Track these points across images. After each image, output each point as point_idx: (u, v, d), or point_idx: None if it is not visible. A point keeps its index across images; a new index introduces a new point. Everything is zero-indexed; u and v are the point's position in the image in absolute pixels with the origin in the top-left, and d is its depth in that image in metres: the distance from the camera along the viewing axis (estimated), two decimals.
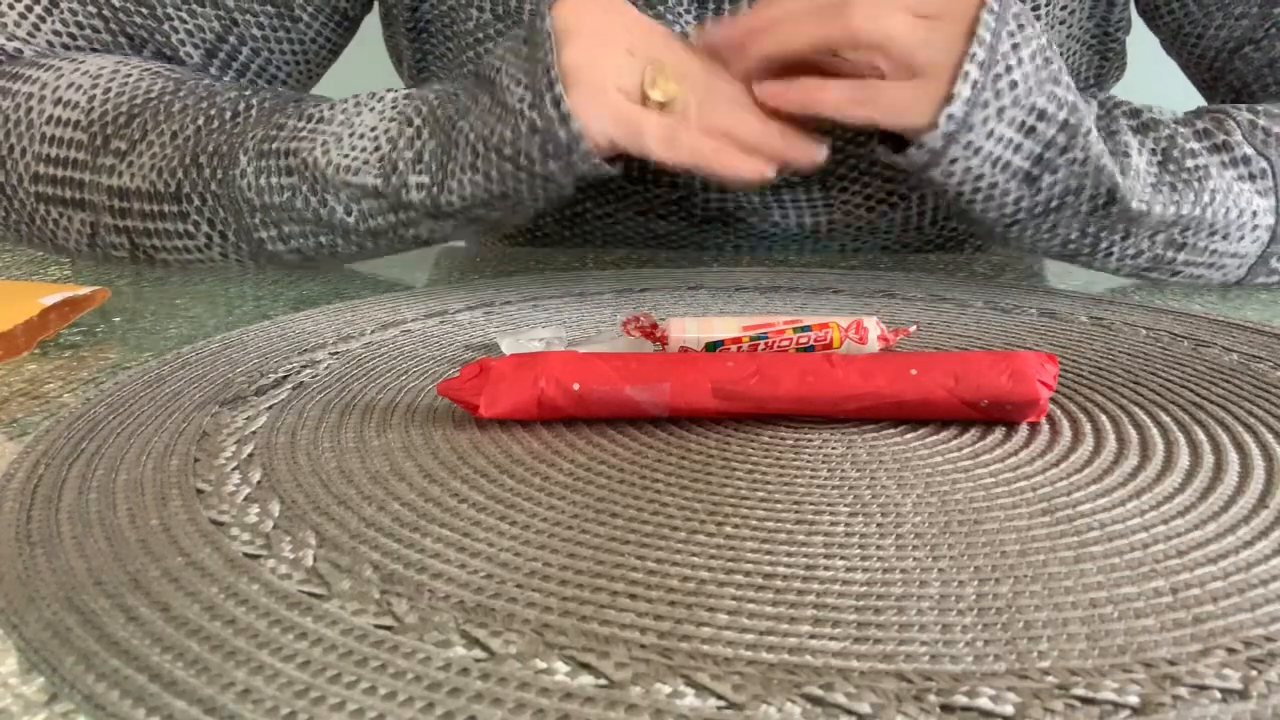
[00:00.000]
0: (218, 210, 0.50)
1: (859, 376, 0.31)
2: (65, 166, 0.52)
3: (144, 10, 0.58)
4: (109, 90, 0.53)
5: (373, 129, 0.48)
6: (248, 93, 0.53)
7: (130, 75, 0.54)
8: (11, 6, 0.58)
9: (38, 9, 0.58)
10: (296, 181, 0.49)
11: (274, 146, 0.49)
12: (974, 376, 0.31)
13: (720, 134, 0.45)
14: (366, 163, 0.48)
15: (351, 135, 0.48)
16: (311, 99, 0.52)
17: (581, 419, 0.32)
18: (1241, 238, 0.49)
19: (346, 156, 0.48)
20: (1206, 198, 0.47)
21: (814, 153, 0.46)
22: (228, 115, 0.51)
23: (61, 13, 0.58)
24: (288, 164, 0.49)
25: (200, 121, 0.51)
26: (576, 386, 0.31)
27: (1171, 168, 0.47)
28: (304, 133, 0.49)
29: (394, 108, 0.49)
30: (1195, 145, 0.48)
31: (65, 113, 0.52)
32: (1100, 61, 0.66)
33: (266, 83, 0.63)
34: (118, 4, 0.58)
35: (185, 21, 0.59)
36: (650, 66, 0.45)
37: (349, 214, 0.49)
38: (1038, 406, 0.31)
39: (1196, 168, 0.47)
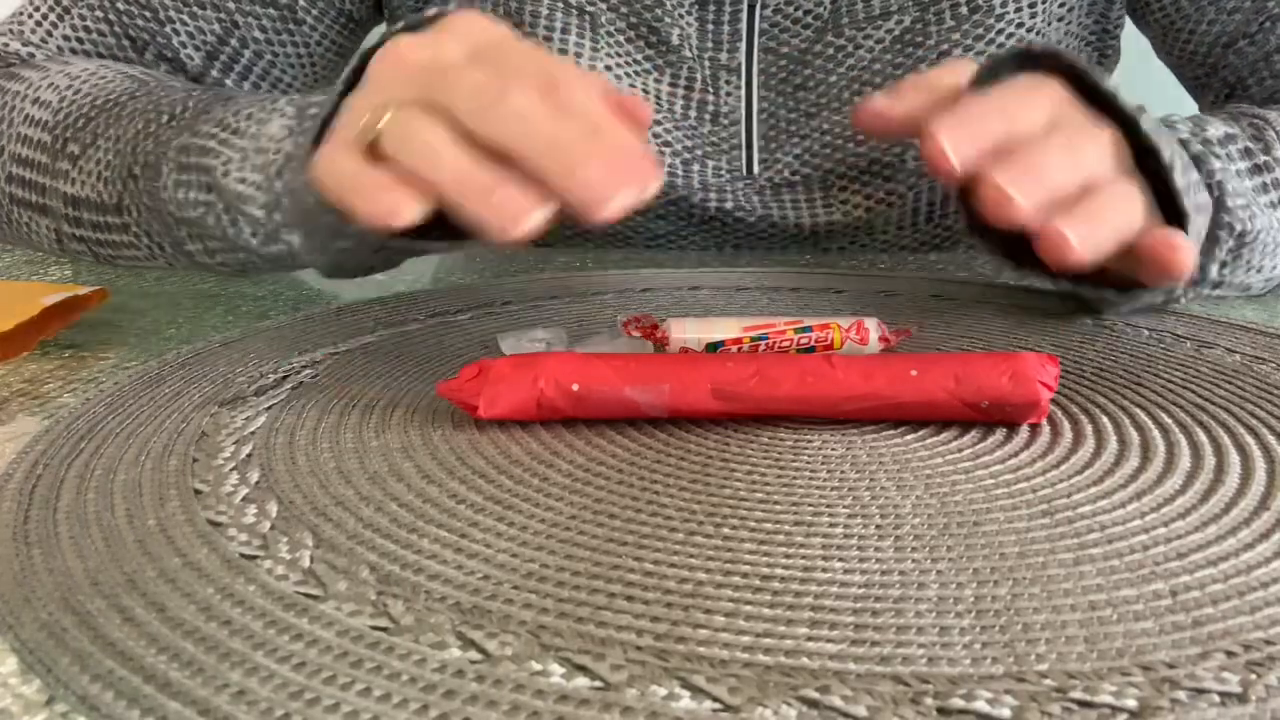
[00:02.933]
0: (151, 223, 0.47)
1: (859, 377, 0.31)
2: (32, 169, 0.52)
3: (147, 14, 0.58)
4: (78, 92, 0.52)
5: (276, 141, 0.41)
6: (196, 91, 0.50)
7: (104, 77, 0.53)
8: (30, 15, 0.59)
9: (52, 16, 0.59)
10: (213, 199, 0.43)
11: (190, 160, 0.44)
12: (974, 377, 0.31)
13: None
14: (259, 187, 0.41)
15: (257, 151, 0.42)
16: (241, 99, 0.47)
17: (580, 420, 0.32)
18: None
19: (244, 182, 0.41)
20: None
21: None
22: (165, 119, 0.48)
23: (73, 18, 0.59)
24: (202, 180, 0.43)
25: (140, 125, 0.48)
26: (576, 387, 0.31)
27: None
28: (214, 144, 0.43)
29: (296, 110, 0.42)
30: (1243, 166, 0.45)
31: (38, 113, 0.52)
32: (1099, 58, 0.65)
33: (271, 86, 0.62)
34: (122, 7, 0.58)
35: (186, 24, 0.59)
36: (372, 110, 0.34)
37: (254, 236, 0.43)
38: (1038, 408, 0.31)
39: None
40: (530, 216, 0.32)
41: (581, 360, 0.31)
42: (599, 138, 0.31)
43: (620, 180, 0.31)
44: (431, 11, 0.37)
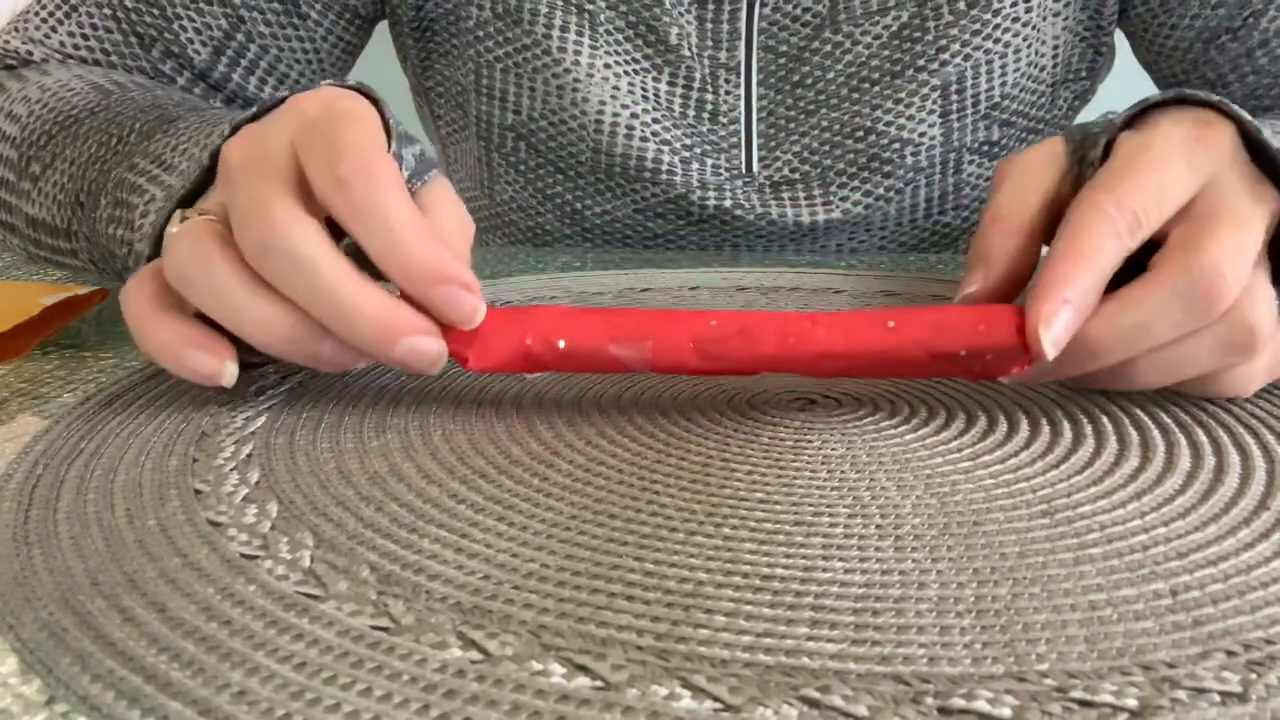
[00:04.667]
0: (93, 251, 0.45)
1: (840, 336, 0.31)
2: (3, 187, 0.51)
3: (154, 10, 0.58)
4: (45, 106, 0.51)
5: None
6: (153, 106, 0.48)
7: (71, 90, 0.52)
8: (37, 12, 0.59)
9: (59, 13, 0.59)
10: (134, 239, 0.39)
11: (121, 195, 0.40)
12: (952, 326, 0.30)
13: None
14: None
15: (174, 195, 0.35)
16: (188, 120, 0.43)
17: (580, 419, 0.32)
18: None
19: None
20: None
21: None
22: (114, 142, 0.45)
23: (80, 15, 0.59)
24: (126, 218, 0.40)
25: (93, 149, 0.46)
26: (562, 344, 0.31)
27: None
28: (143, 180, 0.40)
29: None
30: None
31: (9, 128, 0.51)
32: (1094, 55, 0.65)
33: (278, 81, 0.62)
34: (130, 4, 0.58)
35: (193, 20, 0.59)
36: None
37: None
38: (1018, 352, 0.30)
39: None
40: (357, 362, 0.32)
41: (569, 316, 0.32)
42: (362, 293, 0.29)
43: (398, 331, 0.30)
44: (282, 94, 0.35)
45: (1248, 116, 0.33)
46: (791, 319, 0.31)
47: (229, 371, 0.31)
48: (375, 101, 0.35)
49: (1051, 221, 0.34)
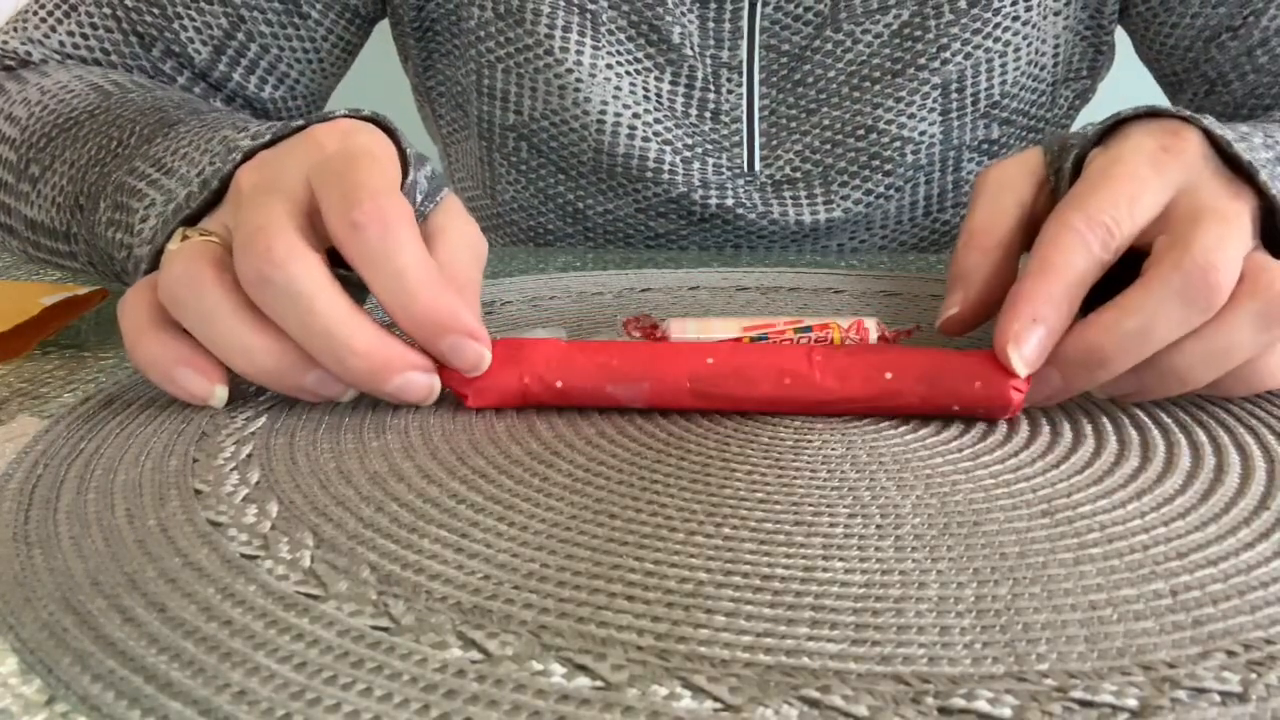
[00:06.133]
0: (92, 254, 0.45)
1: (835, 380, 0.32)
2: (2, 189, 0.50)
3: (155, 10, 0.58)
4: (45, 108, 0.50)
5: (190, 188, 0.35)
6: (154, 107, 0.47)
7: (71, 91, 0.51)
8: (35, 12, 0.59)
9: (58, 13, 0.59)
10: (133, 243, 0.38)
11: (121, 199, 0.40)
12: (946, 381, 0.31)
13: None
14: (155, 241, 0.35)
15: (187, 196, 0.35)
16: (188, 123, 0.42)
17: (580, 419, 0.32)
18: None
19: (159, 230, 0.35)
20: None
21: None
22: (114, 144, 0.44)
23: (79, 15, 0.58)
24: (126, 221, 0.39)
25: (93, 151, 0.45)
26: (560, 384, 0.32)
27: None
28: (143, 185, 0.39)
29: (225, 149, 0.36)
30: None
31: (9, 130, 0.51)
32: (1095, 54, 0.65)
33: (278, 81, 0.62)
34: (130, 4, 0.58)
35: (194, 19, 0.59)
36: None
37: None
38: (1010, 407, 0.31)
39: None
40: (346, 393, 0.32)
41: (565, 356, 0.32)
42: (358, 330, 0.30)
43: (388, 370, 0.30)
44: (298, 122, 0.35)
45: (1217, 127, 0.34)
46: (789, 358, 0.32)
47: (219, 395, 0.32)
48: (391, 132, 0.35)
49: (1028, 235, 0.35)
